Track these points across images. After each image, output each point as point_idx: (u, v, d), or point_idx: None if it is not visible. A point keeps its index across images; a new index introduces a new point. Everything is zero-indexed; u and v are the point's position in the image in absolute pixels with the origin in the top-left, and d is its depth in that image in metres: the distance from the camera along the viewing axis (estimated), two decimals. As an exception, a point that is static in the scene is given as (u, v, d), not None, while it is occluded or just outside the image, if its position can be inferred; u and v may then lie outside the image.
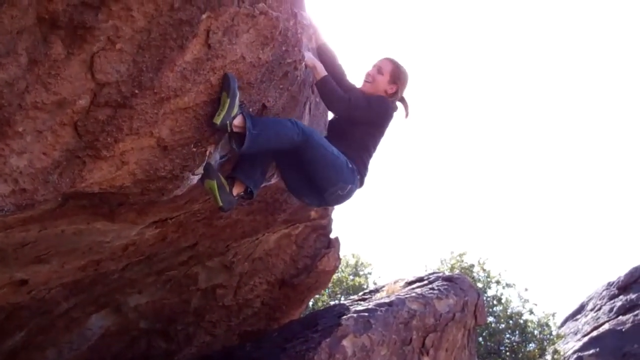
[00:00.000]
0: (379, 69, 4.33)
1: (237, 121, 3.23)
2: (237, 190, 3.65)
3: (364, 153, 4.22)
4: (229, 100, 3.08)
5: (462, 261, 20.09)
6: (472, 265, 19.95)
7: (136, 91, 2.59)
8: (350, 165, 3.94)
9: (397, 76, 4.36)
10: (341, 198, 4.07)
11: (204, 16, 2.61)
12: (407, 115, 4.53)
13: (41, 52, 2.19)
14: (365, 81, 4.33)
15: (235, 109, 3.18)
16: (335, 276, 14.32)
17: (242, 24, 2.87)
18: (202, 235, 5.11)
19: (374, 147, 4.34)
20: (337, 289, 18.23)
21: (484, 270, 19.98)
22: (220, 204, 3.44)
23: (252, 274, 6.91)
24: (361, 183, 4.22)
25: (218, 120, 3.10)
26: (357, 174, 4.08)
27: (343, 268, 18.74)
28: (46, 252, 3.79)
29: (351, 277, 19.18)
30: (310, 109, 4.62)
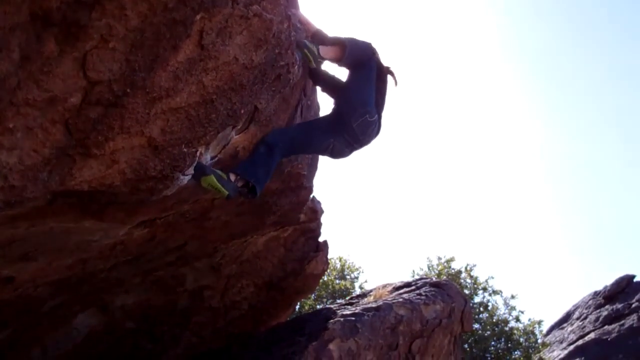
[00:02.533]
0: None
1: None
2: (233, 178, 3.75)
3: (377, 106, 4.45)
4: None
5: (450, 267, 20.15)
6: (460, 272, 20.02)
7: (128, 90, 2.59)
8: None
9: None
10: (368, 126, 4.26)
11: (197, 17, 2.61)
12: (396, 83, 4.74)
13: (34, 49, 2.18)
14: None
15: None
16: (321, 279, 14.35)
17: (236, 26, 2.88)
18: (190, 236, 5.09)
19: (382, 101, 4.56)
20: (323, 292, 18.23)
21: (471, 276, 20.04)
22: (226, 192, 3.58)
23: (240, 276, 6.90)
24: (378, 130, 4.48)
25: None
26: (379, 120, 4.39)
27: (329, 272, 18.75)
28: (34, 249, 3.77)
29: (337, 280, 19.19)
30: (301, 111, 4.63)
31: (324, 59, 4.17)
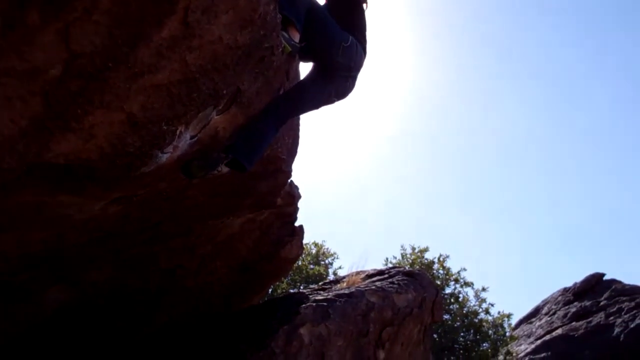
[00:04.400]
0: None
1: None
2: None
3: (357, 32, 4.53)
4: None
5: (423, 257, 20.29)
6: (433, 262, 20.18)
7: (110, 64, 2.56)
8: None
9: None
10: (350, 51, 4.33)
11: (184, -6, 2.58)
12: (366, 5, 4.79)
13: (16, 18, 2.15)
14: None
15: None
16: (295, 264, 14.36)
17: (222, 5, 2.85)
18: (166, 215, 5.07)
19: (356, 22, 4.61)
20: (296, 277, 18.28)
21: (444, 267, 20.21)
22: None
23: (214, 257, 6.89)
24: (365, 51, 4.55)
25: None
26: (356, 41, 4.42)
27: (304, 256, 18.78)
28: (5, 222, 3.73)
29: (311, 266, 19.24)
30: (283, 95, 4.62)
31: (294, 41, 4.15)
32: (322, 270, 19.10)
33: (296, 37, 3.99)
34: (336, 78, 4.41)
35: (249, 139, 4.02)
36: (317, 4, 4.27)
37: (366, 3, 4.73)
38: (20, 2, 2.14)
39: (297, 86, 4.46)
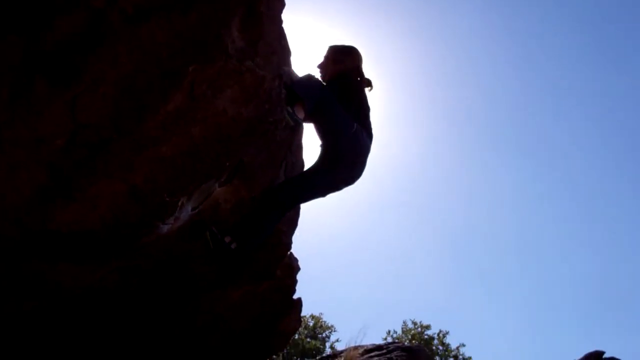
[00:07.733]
0: (324, 57, 4.71)
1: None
2: (227, 240, 3.82)
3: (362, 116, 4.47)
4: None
5: (424, 333, 20.08)
6: (432, 338, 19.94)
7: (115, 136, 2.58)
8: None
9: (337, 54, 4.69)
10: (356, 139, 4.27)
11: (190, 69, 2.62)
12: (370, 88, 4.77)
13: (25, 89, 2.18)
14: (320, 74, 4.65)
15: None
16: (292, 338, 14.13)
17: (228, 79, 2.89)
18: (165, 285, 5.01)
19: (363, 108, 4.57)
20: (293, 350, 17.97)
21: (443, 344, 19.96)
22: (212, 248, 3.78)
23: (212, 329, 6.78)
24: (370, 135, 4.48)
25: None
26: (361, 127, 4.35)
27: (301, 329, 18.52)
28: (5, 292, 3.69)
29: (308, 339, 18.96)
30: (286, 169, 4.63)
31: (299, 117, 4.17)
32: (319, 345, 18.80)
33: (301, 113, 4.01)
34: (343, 165, 4.33)
35: (253, 228, 3.99)
36: (328, 90, 4.30)
37: (370, 86, 4.75)
38: (29, 72, 2.17)
39: (305, 175, 4.39)
